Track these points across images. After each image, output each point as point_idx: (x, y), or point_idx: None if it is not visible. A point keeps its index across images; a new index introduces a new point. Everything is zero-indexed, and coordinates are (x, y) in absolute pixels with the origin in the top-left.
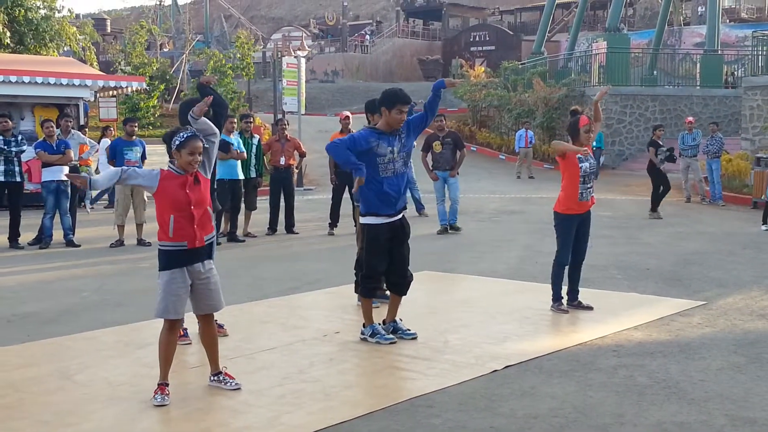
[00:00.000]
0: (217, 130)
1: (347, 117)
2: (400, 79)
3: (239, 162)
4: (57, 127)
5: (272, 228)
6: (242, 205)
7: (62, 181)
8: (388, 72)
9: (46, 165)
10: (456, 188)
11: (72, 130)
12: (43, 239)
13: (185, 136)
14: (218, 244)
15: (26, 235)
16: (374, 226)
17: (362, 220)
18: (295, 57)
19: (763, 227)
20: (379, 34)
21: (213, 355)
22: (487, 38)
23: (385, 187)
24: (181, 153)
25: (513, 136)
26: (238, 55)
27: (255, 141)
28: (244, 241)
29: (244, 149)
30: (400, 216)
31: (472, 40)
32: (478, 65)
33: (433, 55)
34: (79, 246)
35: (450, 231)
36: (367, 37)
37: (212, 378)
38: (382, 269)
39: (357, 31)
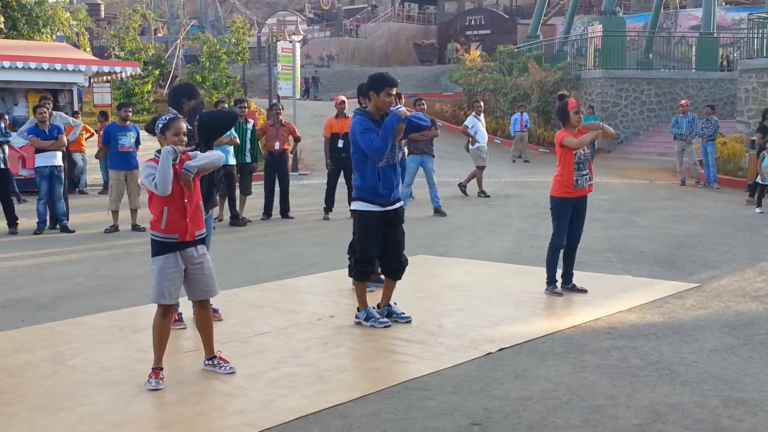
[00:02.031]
0: (222, 160)
1: (343, 102)
2: (396, 64)
3: (232, 147)
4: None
5: (267, 213)
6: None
7: (56, 166)
8: (383, 56)
9: (39, 151)
10: (431, 172)
11: (53, 112)
12: (37, 224)
13: (167, 118)
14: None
15: (24, 221)
16: (365, 212)
17: (353, 205)
18: (290, 42)
19: (758, 210)
20: (375, 19)
21: (208, 340)
22: (483, 22)
23: (380, 177)
24: (166, 136)
25: (508, 120)
26: (233, 40)
27: (249, 126)
28: (244, 224)
29: (236, 134)
30: (394, 207)
31: (467, 23)
32: (473, 49)
33: (429, 39)
34: (73, 231)
35: (435, 215)
36: (350, 20)
37: (207, 362)
38: (375, 253)
39: (352, 15)
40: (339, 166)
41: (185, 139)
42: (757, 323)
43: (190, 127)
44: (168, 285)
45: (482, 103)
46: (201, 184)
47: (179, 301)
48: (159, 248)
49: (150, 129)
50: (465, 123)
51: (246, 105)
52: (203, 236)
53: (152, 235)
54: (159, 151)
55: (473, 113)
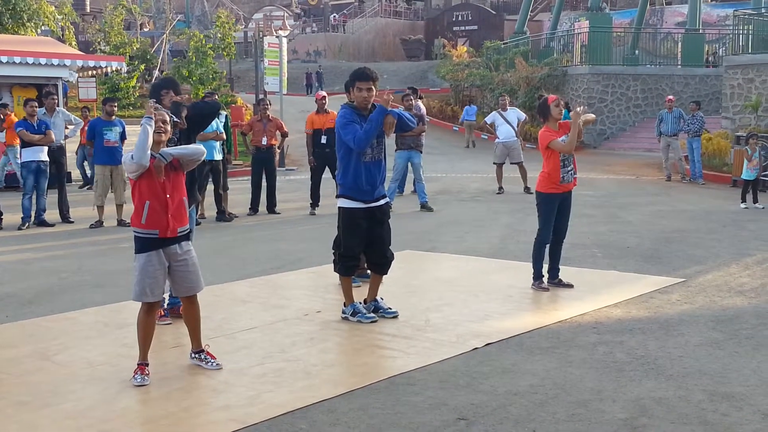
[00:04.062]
0: (202, 152)
1: (324, 97)
2: (383, 59)
3: (218, 143)
4: (41, 107)
5: (254, 208)
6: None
7: (42, 161)
8: (370, 52)
9: (26, 145)
10: (419, 168)
11: (57, 108)
12: (22, 220)
13: None
14: (197, 224)
15: (8, 216)
16: (349, 209)
17: (338, 202)
18: (277, 37)
19: (742, 205)
20: (362, 14)
21: (195, 333)
22: (470, 18)
23: (363, 174)
24: None
25: None
26: (219, 35)
27: (221, 119)
28: (231, 220)
29: (223, 130)
30: (378, 203)
31: (454, 19)
32: (460, 45)
33: (416, 34)
34: (52, 225)
35: (422, 210)
36: (336, 16)
37: (193, 355)
38: (360, 249)
39: (339, 10)
40: (323, 161)
41: (167, 127)
42: (741, 318)
43: (176, 120)
44: (150, 283)
45: (507, 98)
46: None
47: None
48: (141, 245)
49: None
50: (485, 119)
51: (216, 98)
52: (186, 232)
53: (134, 230)
54: None
55: (497, 109)
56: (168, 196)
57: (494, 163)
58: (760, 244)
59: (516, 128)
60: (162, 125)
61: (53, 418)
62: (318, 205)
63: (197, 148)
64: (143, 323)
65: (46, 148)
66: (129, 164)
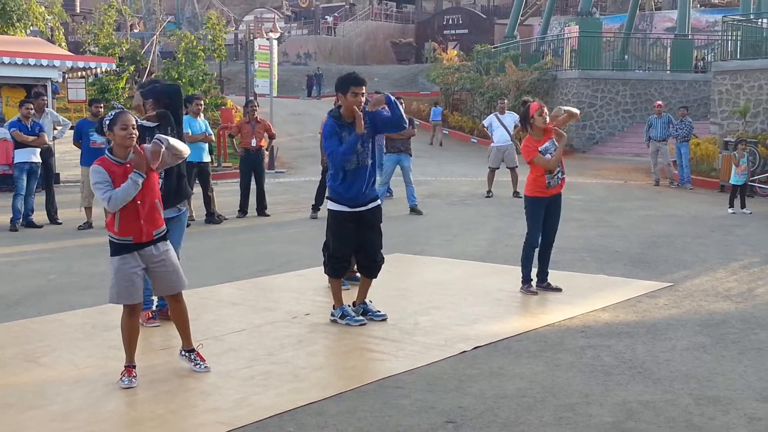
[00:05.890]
0: (188, 151)
1: None
2: (373, 62)
3: (207, 144)
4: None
5: (243, 210)
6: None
7: (35, 162)
8: (361, 55)
9: (19, 146)
10: (408, 171)
11: (46, 109)
12: (12, 221)
13: (113, 113)
14: (187, 225)
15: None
16: (336, 211)
17: (328, 204)
18: (267, 39)
19: (730, 210)
20: (352, 17)
21: (184, 332)
22: (460, 21)
23: (346, 180)
24: (114, 131)
25: (484, 118)
26: (210, 37)
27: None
28: (220, 222)
29: (212, 132)
30: (367, 207)
31: (445, 23)
32: (450, 48)
33: (406, 38)
34: (40, 227)
35: (411, 214)
36: (329, 18)
37: (183, 353)
38: (349, 250)
39: (330, 13)
40: None
41: (135, 132)
42: (728, 322)
43: (150, 124)
44: (127, 286)
45: (506, 101)
46: (170, 175)
47: (152, 298)
48: (116, 249)
49: (99, 131)
50: (483, 122)
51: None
52: (162, 233)
53: (108, 235)
54: (110, 150)
55: (495, 112)
56: (138, 203)
57: (489, 167)
58: (747, 249)
59: (511, 132)
60: (131, 130)
61: (39, 420)
62: (320, 208)
63: (185, 145)
64: (126, 326)
65: (38, 150)
66: (102, 203)
